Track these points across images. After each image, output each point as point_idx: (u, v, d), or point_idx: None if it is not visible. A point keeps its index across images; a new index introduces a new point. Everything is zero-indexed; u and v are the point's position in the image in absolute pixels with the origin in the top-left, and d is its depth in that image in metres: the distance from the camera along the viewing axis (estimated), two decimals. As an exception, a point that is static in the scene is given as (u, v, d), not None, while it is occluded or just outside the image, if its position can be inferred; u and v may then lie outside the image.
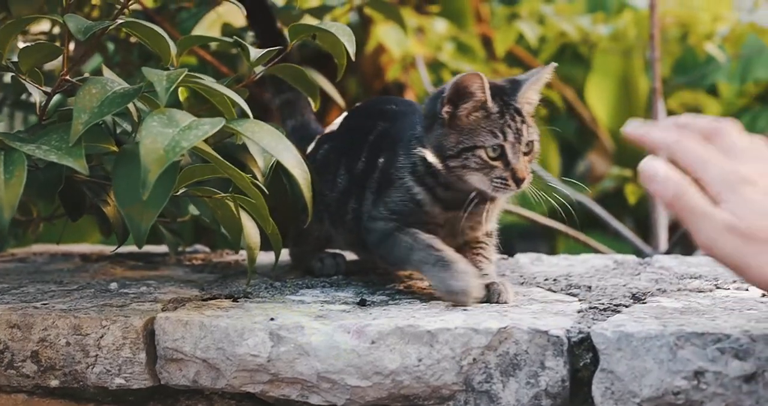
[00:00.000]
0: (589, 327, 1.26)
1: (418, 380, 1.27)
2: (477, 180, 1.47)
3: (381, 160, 1.61)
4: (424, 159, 1.52)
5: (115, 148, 1.34)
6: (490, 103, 1.46)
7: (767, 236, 1.07)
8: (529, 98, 1.52)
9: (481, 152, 1.46)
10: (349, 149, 1.68)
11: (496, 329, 1.25)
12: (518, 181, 1.46)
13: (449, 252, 1.48)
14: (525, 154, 1.48)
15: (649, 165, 1.13)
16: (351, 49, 1.48)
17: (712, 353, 1.18)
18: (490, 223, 1.59)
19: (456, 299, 1.42)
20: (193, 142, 1.19)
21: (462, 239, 1.59)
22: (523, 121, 1.48)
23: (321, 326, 1.31)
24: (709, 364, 1.18)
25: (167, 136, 1.20)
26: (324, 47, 1.55)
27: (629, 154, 4.93)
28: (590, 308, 1.39)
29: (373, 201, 1.59)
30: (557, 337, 1.24)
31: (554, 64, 1.53)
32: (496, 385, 1.25)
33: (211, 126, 1.23)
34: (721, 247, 1.09)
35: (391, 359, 1.27)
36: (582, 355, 1.25)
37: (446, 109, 1.47)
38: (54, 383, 1.40)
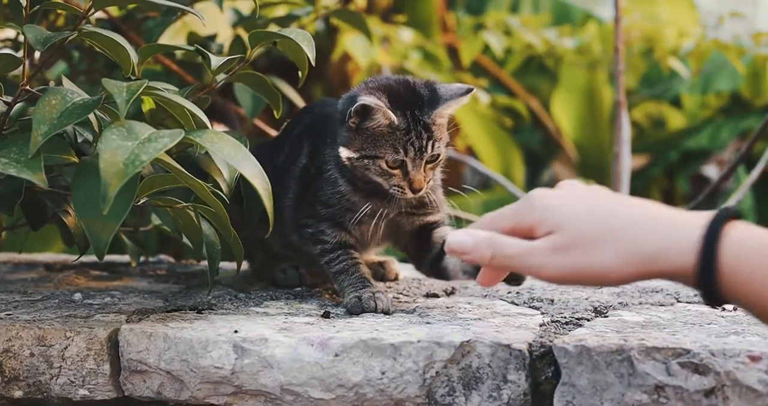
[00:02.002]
0: (551, 341, 1.27)
1: (381, 393, 1.27)
2: (379, 181, 1.51)
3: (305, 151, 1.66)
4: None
5: (75, 159, 1.33)
6: (396, 121, 1.48)
7: (588, 240, 1.10)
8: (443, 115, 1.53)
9: (381, 162, 1.49)
10: (275, 144, 1.77)
11: (458, 342, 1.26)
12: (415, 191, 1.50)
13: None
14: (429, 162, 1.51)
15: (455, 241, 1.19)
16: (311, 55, 1.49)
17: (673, 367, 1.20)
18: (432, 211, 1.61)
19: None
20: (152, 155, 1.19)
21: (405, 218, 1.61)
22: (429, 138, 1.49)
23: (285, 339, 1.31)
24: (669, 378, 1.19)
25: (127, 149, 1.19)
26: (285, 54, 1.56)
27: (593, 165, 4.97)
28: (552, 321, 1.41)
29: (300, 196, 1.63)
30: (519, 351, 1.25)
31: (475, 89, 1.54)
32: (458, 398, 1.26)
33: (170, 138, 1.23)
34: (553, 267, 1.12)
35: (354, 372, 1.28)
36: (544, 369, 1.26)
37: (353, 120, 1.49)
38: (18, 393, 1.39)
